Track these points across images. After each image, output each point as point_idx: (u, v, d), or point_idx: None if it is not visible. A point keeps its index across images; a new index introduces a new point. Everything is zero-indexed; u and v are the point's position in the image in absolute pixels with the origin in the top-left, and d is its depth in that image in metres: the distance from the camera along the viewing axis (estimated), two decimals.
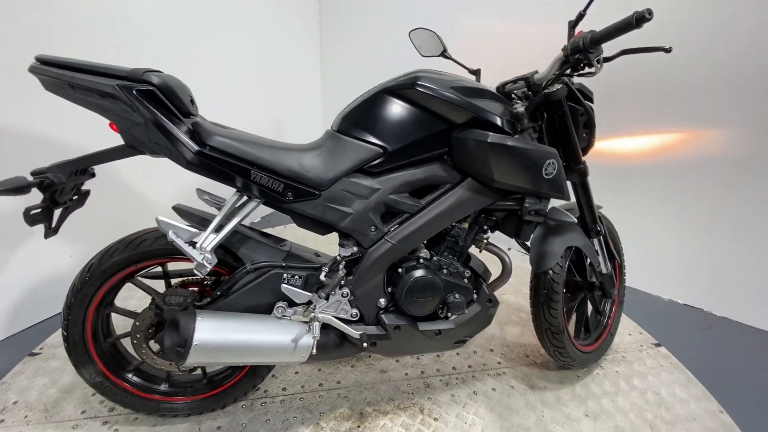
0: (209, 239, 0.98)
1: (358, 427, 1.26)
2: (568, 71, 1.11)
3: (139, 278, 1.14)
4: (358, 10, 3.12)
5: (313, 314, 1.10)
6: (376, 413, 1.31)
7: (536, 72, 1.19)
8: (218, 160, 0.95)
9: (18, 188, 0.89)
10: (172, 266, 1.15)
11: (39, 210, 0.97)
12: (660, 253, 2.17)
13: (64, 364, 1.44)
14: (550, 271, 1.32)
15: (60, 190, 1.00)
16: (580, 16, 1.07)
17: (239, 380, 1.25)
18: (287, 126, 3.25)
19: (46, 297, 1.71)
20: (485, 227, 1.27)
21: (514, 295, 2.10)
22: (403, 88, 1.05)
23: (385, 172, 1.10)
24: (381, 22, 3.01)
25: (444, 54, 1.43)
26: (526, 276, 2.25)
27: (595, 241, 1.38)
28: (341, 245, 1.13)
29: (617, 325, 1.65)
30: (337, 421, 1.27)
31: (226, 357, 1.00)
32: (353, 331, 1.13)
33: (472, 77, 1.41)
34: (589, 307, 1.60)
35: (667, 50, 0.95)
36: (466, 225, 1.22)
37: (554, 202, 1.29)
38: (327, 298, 1.12)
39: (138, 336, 1.10)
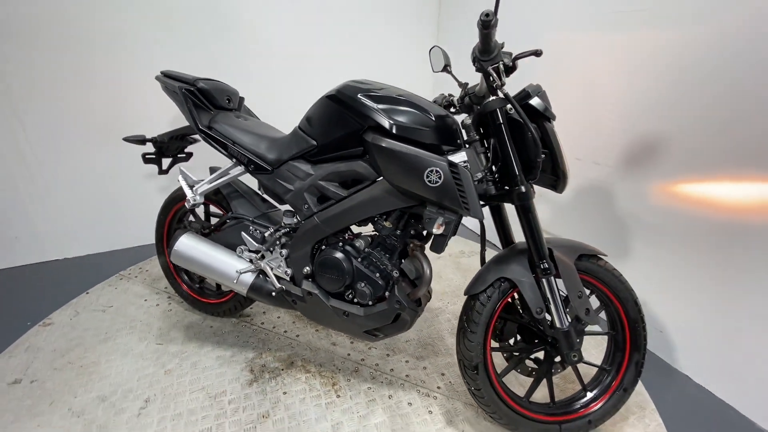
0: (203, 186, 1.49)
1: (282, 370, 1.53)
2: (497, 83, 1.06)
3: (195, 211, 1.78)
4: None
5: (257, 261, 1.46)
6: (301, 368, 1.53)
7: (478, 84, 1.16)
8: (211, 135, 1.45)
9: (139, 140, 1.65)
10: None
11: (152, 157, 1.73)
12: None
13: None
14: (478, 299, 1.21)
15: (165, 147, 1.73)
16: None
17: (228, 299, 1.74)
18: None
19: None
20: (411, 231, 1.30)
21: None
22: (331, 94, 1.26)
23: (320, 161, 1.34)
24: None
25: (445, 68, 1.49)
26: None
27: (544, 282, 1.15)
28: (285, 214, 1.44)
29: (604, 416, 1.24)
30: (273, 358, 1.58)
31: (192, 266, 1.48)
32: (276, 283, 1.42)
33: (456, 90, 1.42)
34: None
35: (539, 54, 0.83)
36: (387, 223, 1.30)
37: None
38: (271, 252, 1.45)
39: None
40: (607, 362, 1.31)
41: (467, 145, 1.21)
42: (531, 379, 1.31)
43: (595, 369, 1.32)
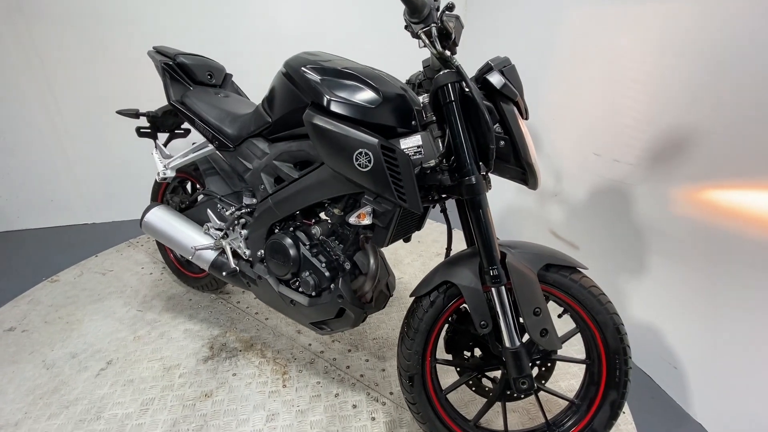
0: (175, 162, 1.50)
1: (240, 351, 1.51)
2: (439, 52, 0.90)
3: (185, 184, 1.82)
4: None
5: (218, 238, 1.44)
6: (258, 352, 1.50)
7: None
8: (179, 110, 1.44)
9: (132, 114, 1.71)
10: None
11: (147, 131, 1.78)
12: None
13: None
14: (421, 303, 1.07)
15: (159, 122, 1.77)
16: None
17: (207, 275, 1.75)
18: None
19: None
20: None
21: None
22: (282, 67, 1.18)
23: (275, 140, 1.27)
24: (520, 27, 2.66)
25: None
26: None
27: (494, 292, 0.97)
28: (245, 194, 1.40)
29: None
30: (235, 339, 1.57)
31: (159, 237, 1.51)
32: (231, 263, 1.39)
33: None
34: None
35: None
36: (337, 210, 1.20)
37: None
38: (232, 231, 1.43)
39: None
40: (579, 396, 1.10)
41: (423, 128, 1.06)
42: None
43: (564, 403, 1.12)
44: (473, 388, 1.15)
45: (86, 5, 2.17)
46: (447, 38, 0.87)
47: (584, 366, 1.10)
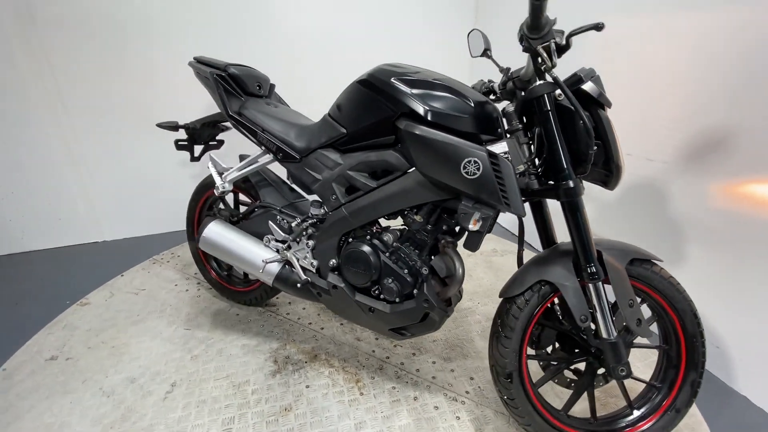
0: (233, 174, 1.48)
1: (306, 362, 1.50)
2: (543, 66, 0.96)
3: (225, 198, 1.77)
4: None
5: (283, 251, 1.43)
6: (325, 362, 1.50)
7: (524, 67, 1.05)
8: (240, 122, 1.42)
9: (171, 127, 1.66)
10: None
11: (184, 143, 1.73)
12: None
13: None
14: (515, 302, 1.12)
15: (197, 134, 1.73)
16: None
17: (253, 289, 1.73)
18: None
19: None
20: (444, 227, 1.22)
21: None
22: (362, 78, 1.19)
23: (349, 150, 1.28)
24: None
25: (485, 53, 1.39)
26: None
27: (590, 287, 1.04)
28: (312, 205, 1.40)
29: None
30: (297, 350, 1.55)
31: (219, 253, 1.47)
32: (302, 275, 1.38)
33: (496, 75, 1.32)
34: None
35: (599, 28, 0.73)
36: (418, 217, 1.23)
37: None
38: (297, 243, 1.42)
39: None
40: (657, 379, 1.19)
41: (508, 135, 1.11)
42: (569, 391, 1.21)
43: (641, 385, 1.20)
44: (555, 380, 1.21)
45: (99, 12, 2.07)
46: (564, 52, 0.93)
47: (657, 351, 1.20)
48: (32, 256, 2.28)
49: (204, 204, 1.79)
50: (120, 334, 1.63)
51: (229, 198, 1.74)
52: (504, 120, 1.10)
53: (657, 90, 1.61)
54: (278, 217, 1.46)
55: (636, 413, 1.17)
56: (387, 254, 1.26)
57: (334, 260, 1.35)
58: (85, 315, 1.75)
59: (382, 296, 1.29)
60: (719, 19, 1.38)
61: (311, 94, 2.35)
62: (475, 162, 0.99)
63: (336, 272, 1.36)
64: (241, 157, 1.59)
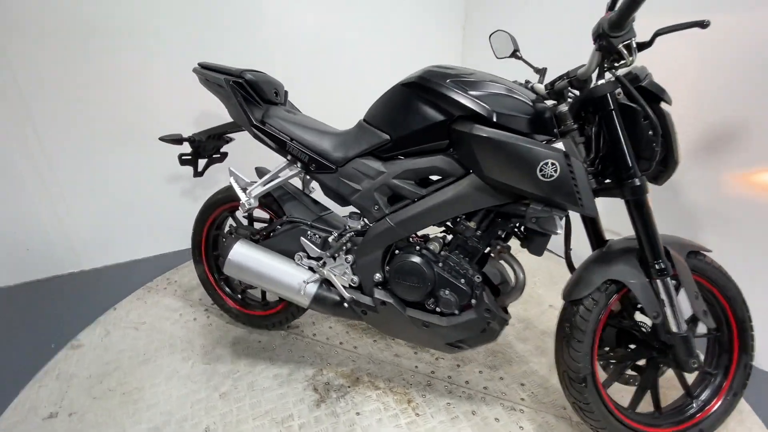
0: (257, 189, 1.35)
1: (349, 387, 1.39)
2: (608, 63, 0.95)
3: (237, 215, 1.62)
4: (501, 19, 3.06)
5: (319, 269, 1.32)
6: (369, 384, 1.41)
7: (582, 66, 1.04)
8: (266, 132, 1.30)
9: (175, 140, 1.49)
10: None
11: (188, 158, 1.57)
12: None
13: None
14: (582, 304, 1.09)
15: (202, 147, 1.57)
16: None
17: (278, 311, 1.59)
18: None
19: None
20: (498, 232, 1.18)
21: None
22: (410, 81, 1.13)
23: (392, 158, 1.21)
24: (523, 32, 2.87)
25: (515, 54, 1.37)
26: None
27: (659, 283, 1.04)
28: (351, 217, 1.31)
29: (716, 423, 1.15)
30: (336, 375, 1.44)
31: (249, 277, 1.34)
32: (345, 293, 1.29)
33: (535, 76, 1.31)
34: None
35: (704, 25, 0.72)
36: (472, 224, 1.18)
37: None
38: (334, 259, 1.32)
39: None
40: (711, 365, 1.22)
41: (563, 135, 1.09)
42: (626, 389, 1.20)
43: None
44: (617, 378, 1.21)
45: (70, 16, 1.83)
46: (643, 49, 0.91)
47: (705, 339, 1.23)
48: None
49: (212, 223, 1.63)
50: (128, 377, 1.43)
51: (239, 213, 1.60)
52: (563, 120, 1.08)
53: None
54: (309, 232, 1.35)
55: (697, 402, 1.19)
56: (440, 264, 1.20)
57: (379, 274, 1.27)
58: (80, 360, 1.52)
59: (437, 309, 1.22)
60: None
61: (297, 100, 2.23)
62: (553, 164, 0.96)
63: (381, 287, 1.28)
64: (259, 171, 1.46)
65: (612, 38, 0.87)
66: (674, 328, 1.05)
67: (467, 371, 1.47)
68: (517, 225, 1.19)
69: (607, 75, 0.99)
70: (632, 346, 1.19)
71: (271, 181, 1.36)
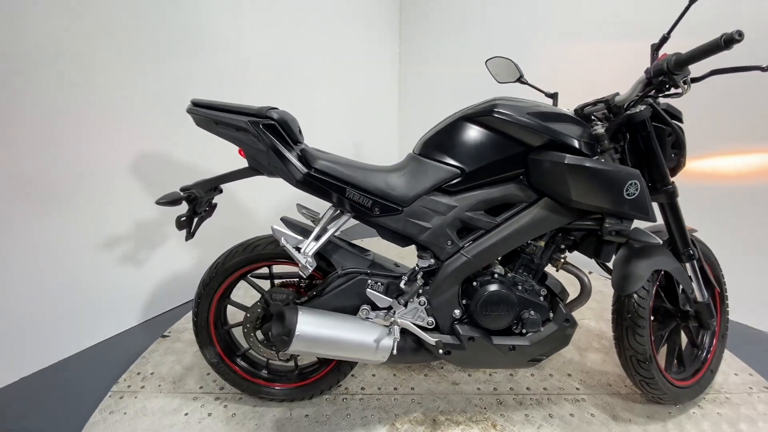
0: (311, 246, 1.16)
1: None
2: (652, 93, 1.12)
3: (251, 277, 1.36)
4: (434, 41, 3.29)
5: (392, 319, 1.21)
6: (448, 422, 1.36)
7: (617, 94, 1.20)
8: (321, 180, 1.13)
9: (174, 201, 1.17)
10: (276, 269, 1.36)
11: (185, 218, 1.24)
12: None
13: (187, 346, 1.74)
14: (635, 295, 1.27)
15: (200, 202, 1.26)
16: (664, 39, 1.09)
17: (325, 375, 1.40)
18: (366, 149, 3.51)
19: (173, 290, 2.08)
20: (562, 246, 1.29)
21: (596, 320, 1.99)
22: (481, 115, 1.14)
23: (463, 191, 1.19)
24: (456, 56, 3.14)
25: (521, 80, 1.49)
26: (607, 301, 2.14)
27: (688, 266, 1.30)
28: (420, 257, 1.24)
29: (719, 361, 1.49)
30: (411, 425, 1.35)
31: (321, 348, 1.15)
32: (429, 338, 1.22)
33: (549, 101, 1.45)
34: (684, 339, 1.49)
35: (764, 69, 0.92)
36: (542, 243, 1.25)
37: (639, 224, 1.26)
38: (405, 305, 1.23)
39: (248, 326, 1.31)
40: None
41: (601, 153, 1.24)
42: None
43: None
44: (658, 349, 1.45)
45: None
46: (695, 82, 1.09)
47: None
48: None
49: (222, 296, 1.33)
50: None
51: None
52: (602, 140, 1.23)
53: None
54: (369, 281, 1.23)
55: (702, 349, 1.51)
56: (519, 287, 1.24)
57: (457, 311, 1.24)
58: None
59: (520, 330, 1.26)
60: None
61: None
62: (635, 183, 1.09)
63: (460, 322, 1.25)
64: (287, 223, 1.25)
65: (674, 75, 1.03)
66: (700, 298, 1.32)
67: (522, 378, 1.55)
68: (571, 237, 1.30)
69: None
70: (660, 318, 1.43)
71: (323, 234, 1.18)
